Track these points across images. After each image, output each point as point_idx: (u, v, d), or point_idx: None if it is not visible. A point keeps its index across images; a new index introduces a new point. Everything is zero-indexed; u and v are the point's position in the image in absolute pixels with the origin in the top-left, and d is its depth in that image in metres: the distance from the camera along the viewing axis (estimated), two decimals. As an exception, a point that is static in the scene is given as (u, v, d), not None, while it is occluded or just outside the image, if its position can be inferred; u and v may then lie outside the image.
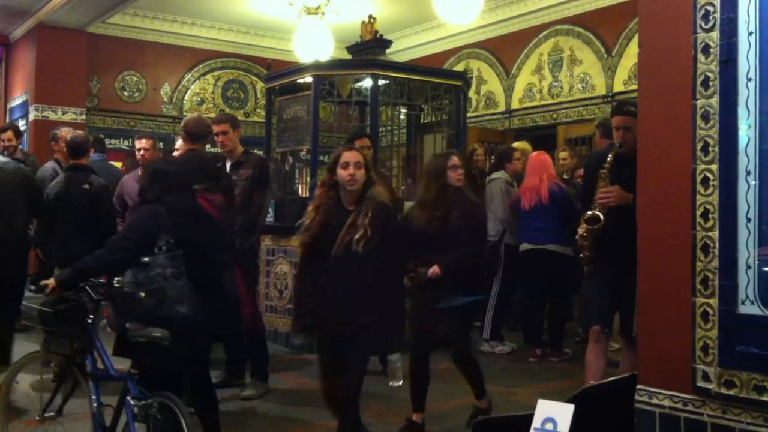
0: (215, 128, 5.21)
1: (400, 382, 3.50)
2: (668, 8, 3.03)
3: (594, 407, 3.01)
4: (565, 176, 7.08)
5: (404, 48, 10.83)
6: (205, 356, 3.70)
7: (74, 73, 9.61)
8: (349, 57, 7.59)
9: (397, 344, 3.47)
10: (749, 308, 2.74)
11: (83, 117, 9.66)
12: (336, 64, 7.61)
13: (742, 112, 2.77)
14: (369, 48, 7.26)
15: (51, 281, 3.31)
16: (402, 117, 7.98)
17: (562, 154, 7.52)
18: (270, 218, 6.69)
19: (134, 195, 4.90)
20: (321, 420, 4.27)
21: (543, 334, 6.54)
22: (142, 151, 6.08)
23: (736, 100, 2.77)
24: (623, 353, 4.33)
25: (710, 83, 2.84)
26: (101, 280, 3.40)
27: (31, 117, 9.50)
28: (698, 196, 2.86)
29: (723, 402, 2.79)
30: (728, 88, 2.79)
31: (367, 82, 6.85)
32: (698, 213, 2.86)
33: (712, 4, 2.83)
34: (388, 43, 7.48)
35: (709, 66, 2.85)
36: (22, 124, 9.57)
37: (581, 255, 4.15)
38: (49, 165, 6.34)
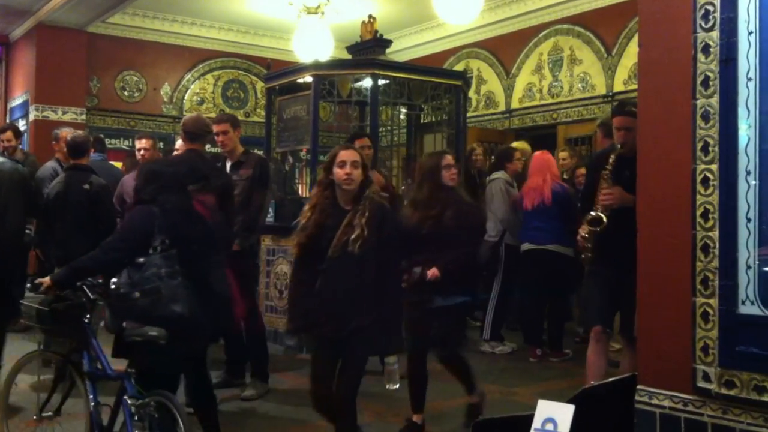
0: (215, 128, 5.20)
1: (397, 385, 3.47)
2: (668, 8, 3.03)
3: (594, 407, 3.01)
4: (565, 176, 7.08)
5: (404, 48, 10.82)
6: (202, 355, 3.70)
7: (74, 73, 9.60)
8: (349, 57, 7.59)
9: (395, 344, 3.46)
10: (749, 308, 2.73)
11: (83, 117, 9.66)
12: (336, 63, 7.61)
13: (742, 111, 2.76)
14: (369, 48, 7.25)
15: (46, 279, 3.33)
16: (402, 117, 7.97)
17: (562, 154, 7.52)
18: (270, 218, 6.69)
19: (134, 195, 4.91)
20: (321, 420, 4.26)
21: (543, 334, 6.54)
22: (142, 151, 6.08)
23: (736, 100, 2.77)
24: (624, 353, 4.33)
25: (710, 83, 2.84)
26: (99, 281, 3.42)
27: (32, 117, 9.50)
28: (698, 196, 2.86)
29: (723, 402, 2.79)
30: (728, 87, 2.78)
31: (367, 82, 6.84)
32: (698, 213, 2.86)
33: (712, 4, 2.83)
34: (388, 42, 7.47)
35: (709, 66, 2.84)
36: (22, 124, 9.57)
37: (583, 256, 4.15)
38: (50, 165, 6.36)
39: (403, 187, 7.55)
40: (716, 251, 2.80)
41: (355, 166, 3.38)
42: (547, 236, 6.19)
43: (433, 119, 7.58)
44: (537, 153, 6.62)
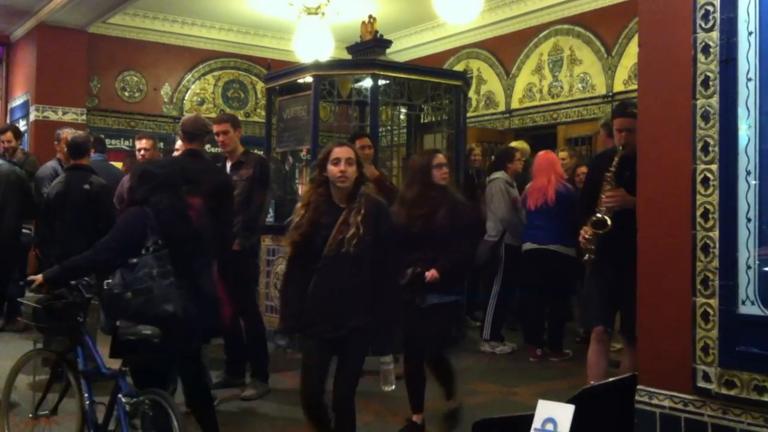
0: (216, 128, 5.20)
1: (393, 387, 3.41)
2: (668, 8, 3.03)
3: (594, 407, 3.01)
4: (565, 176, 7.07)
5: (404, 48, 10.83)
6: (196, 354, 3.70)
7: (75, 73, 9.60)
8: (349, 57, 7.59)
9: (395, 344, 3.44)
10: (749, 308, 2.73)
11: (84, 117, 9.66)
12: (336, 64, 7.61)
13: (742, 111, 2.76)
14: (369, 48, 7.25)
15: (38, 277, 3.35)
16: (402, 117, 7.98)
17: (562, 154, 7.51)
18: (270, 218, 6.69)
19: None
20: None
21: (543, 334, 6.54)
22: (142, 151, 6.08)
23: (736, 100, 2.77)
24: (624, 353, 4.33)
25: (710, 83, 2.84)
26: (94, 281, 3.44)
27: (32, 117, 9.50)
28: (698, 196, 2.86)
29: (723, 402, 2.79)
30: (728, 88, 2.78)
31: (367, 82, 6.85)
32: (698, 213, 2.86)
33: (712, 4, 2.83)
34: (388, 43, 7.47)
35: (709, 66, 2.84)
36: (22, 125, 9.58)
37: (585, 257, 4.13)
38: (50, 164, 6.39)
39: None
40: (716, 251, 2.80)
41: (349, 163, 3.32)
42: (548, 236, 6.19)
43: (433, 119, 7.59)
44: (541, 153, 6.59)
